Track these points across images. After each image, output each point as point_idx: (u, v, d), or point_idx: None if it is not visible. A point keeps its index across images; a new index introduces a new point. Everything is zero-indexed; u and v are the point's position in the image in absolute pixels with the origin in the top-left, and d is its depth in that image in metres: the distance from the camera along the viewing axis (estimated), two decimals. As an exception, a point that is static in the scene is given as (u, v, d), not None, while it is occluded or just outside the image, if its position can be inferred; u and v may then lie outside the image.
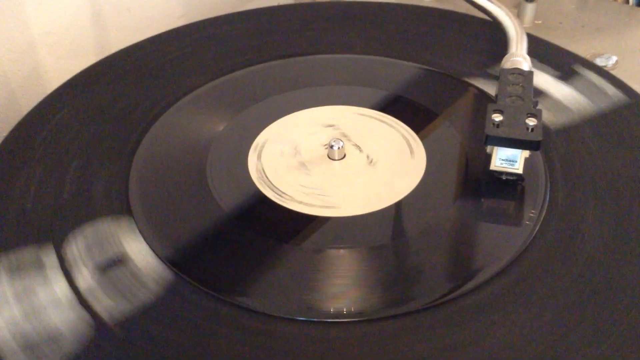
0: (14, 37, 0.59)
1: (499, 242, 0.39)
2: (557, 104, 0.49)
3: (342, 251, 0.39)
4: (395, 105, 0.50)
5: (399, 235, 0.40)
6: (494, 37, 0.56)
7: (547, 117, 0.47)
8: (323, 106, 0.50)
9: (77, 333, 0.35)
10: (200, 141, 0.47)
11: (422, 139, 0.46)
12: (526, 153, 0.42)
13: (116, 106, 0.50)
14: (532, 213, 0.40)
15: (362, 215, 0.41)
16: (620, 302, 0.35)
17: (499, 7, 0.56)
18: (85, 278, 0.38)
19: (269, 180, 0.44)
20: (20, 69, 0.60)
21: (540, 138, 0.40)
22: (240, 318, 0.35)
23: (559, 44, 0.56)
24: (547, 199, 0.41)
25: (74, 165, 0.45)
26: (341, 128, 0.48)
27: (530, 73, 0.46)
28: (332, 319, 0.35)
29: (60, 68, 0.63)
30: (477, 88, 0.51)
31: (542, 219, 0.40)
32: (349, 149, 0.46)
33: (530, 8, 0.66)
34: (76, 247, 0.39)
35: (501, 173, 0.42)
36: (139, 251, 0.39)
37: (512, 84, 0.45)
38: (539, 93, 0.49)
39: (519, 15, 0.66)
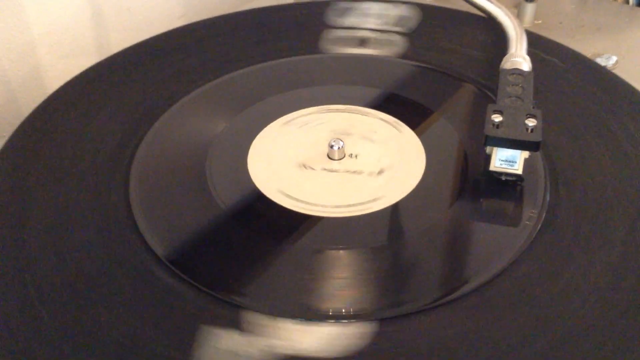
0: (14, 37, 0.59)
1: (498, 243, 0.39)
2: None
3: (341, 251, 0.39)
4: (396, 105, 0.50)
5: (399, 236, 0.40)
6: (494, 37, 0.56)
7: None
8: (323, 106, 0.50)
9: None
10: (200, 141, 0.47)
11: (421, 139, 0.46)
12: (526, 154, 0.42)
13: (116, 106, 0.50)
14: (532, 213, 0.40)
15: (361, 216, 0.41)
16: (620, 302, 0.35)
17: (499, 7, 0.56)
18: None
19: (269, 180, 0.44)
20: (20, 69, 0.60)
21: (539, 139, 0.40)
22: (240, 318, 0.35)
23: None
24: (547, 199, 0.41)
25: (74, 165, 0.45)
26: (341, 128, 0.48)
27: (530, 73, 0.46)
28: (331, 319, 0.35)
29: (60, 68, 0.63)
30: (477, 88, 0.51)
31: (542, 219, 0.40)
32: (349, 149, 0.46)
33: (530, 8, 0.66)
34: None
35: (501, 174, 0.42)
36: (138, 251, 0.39)
37: (512, 85, 0.45)
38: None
39: (519, 15, 0.66)
